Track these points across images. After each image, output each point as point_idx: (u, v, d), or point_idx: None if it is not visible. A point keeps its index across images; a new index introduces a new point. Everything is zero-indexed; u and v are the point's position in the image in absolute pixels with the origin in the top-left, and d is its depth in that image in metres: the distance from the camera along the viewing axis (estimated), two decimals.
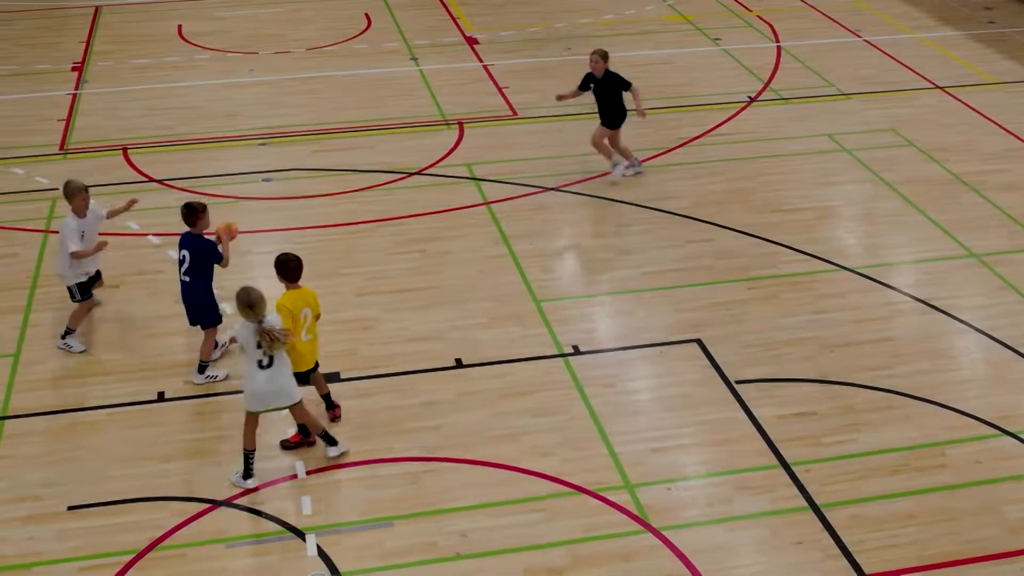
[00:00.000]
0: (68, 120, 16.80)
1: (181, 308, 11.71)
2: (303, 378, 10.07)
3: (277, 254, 10.16)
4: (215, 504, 9.55)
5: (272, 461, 10.05)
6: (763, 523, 9.36)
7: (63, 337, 11.58)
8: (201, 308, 11.10)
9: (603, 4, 21.78)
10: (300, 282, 10.17)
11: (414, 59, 19.13)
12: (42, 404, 10.76)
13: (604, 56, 14.66)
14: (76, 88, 17.97)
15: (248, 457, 9.75)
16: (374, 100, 17.49)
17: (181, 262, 10.99)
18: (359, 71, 18.68)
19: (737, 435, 10.36)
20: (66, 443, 10.26)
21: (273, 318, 9.62)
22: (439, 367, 11.28)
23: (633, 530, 9.28)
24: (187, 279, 10.97)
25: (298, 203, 14.32)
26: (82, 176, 13.98)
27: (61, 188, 11.54)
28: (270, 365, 9.52)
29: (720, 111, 16.99)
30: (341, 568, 8.91)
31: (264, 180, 14.95)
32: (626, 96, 14.71)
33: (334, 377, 11.09)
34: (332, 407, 10.55)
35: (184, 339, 11.67)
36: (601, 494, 9.63)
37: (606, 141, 14.82)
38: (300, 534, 9.25)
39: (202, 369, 11.14)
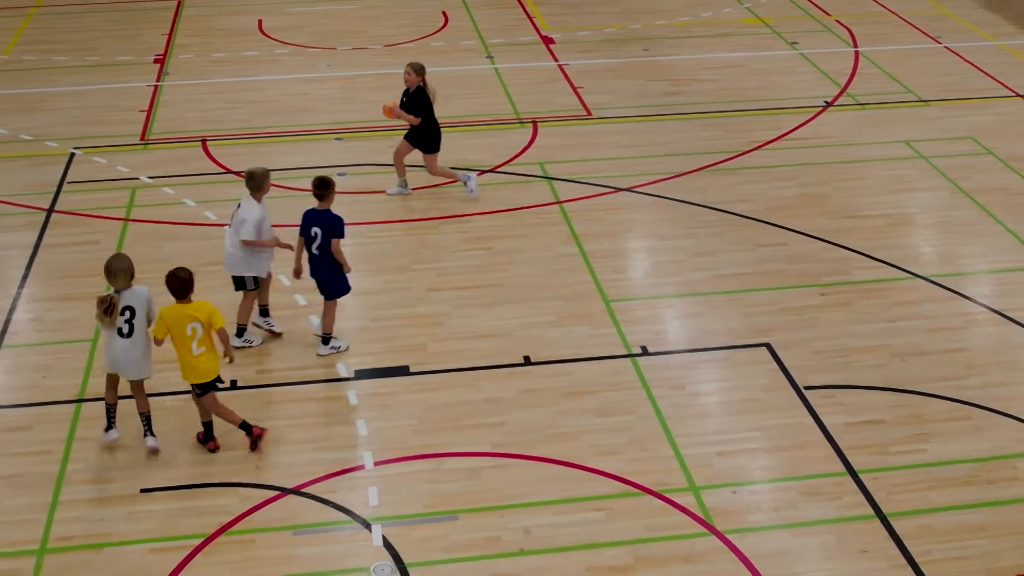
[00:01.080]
0: (149, 111, 17.10)
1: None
2: (203, 389, 10.06)
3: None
4: (284, 492, 9.69)
5: (341, 451, 10.18)
6: (829, 530, 9.31)
7: (239, 335, 11.55)
8: (333, 280, 11.35)
9: (679, 6, 21.73)
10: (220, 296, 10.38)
11: (490, 57, 19.22)
12: (118, 388, 10.95)
13: (419, 70, 14.10)
14: (157, 80, 18.29)
15: (108, 410, 10.22)
16: (449, 97, 17.56)
17: (312, 238, 11.21)
18: (435, 68, 18.75)
19: (804, 441, 10.30)
20: (139, 427, 10.45)
21: (140, 296, 10.03)
22: (506, 364, 11.34)
23: (697, 532, 9.27)
24: (317, 254, 11.26)
25: (371, 198, 14.45)
26: (162, 166, 14.32)
27: (246, 176, 11.39)
28: (130, 335, 9.91)
29: (795, 115, 16.88)
30: (405, 559, 9.00)
31: (338, 175, 15.09)
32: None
33: (403, 371, 11.20)
34: (210, 439, 10.27)
35: (255, 328, 11.82)
36: (665, 495, 9.64)
37: (405, 159, 14.59)
38: (366, 524, 9.35)
39: (326, 341, 11.46)
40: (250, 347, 11.51)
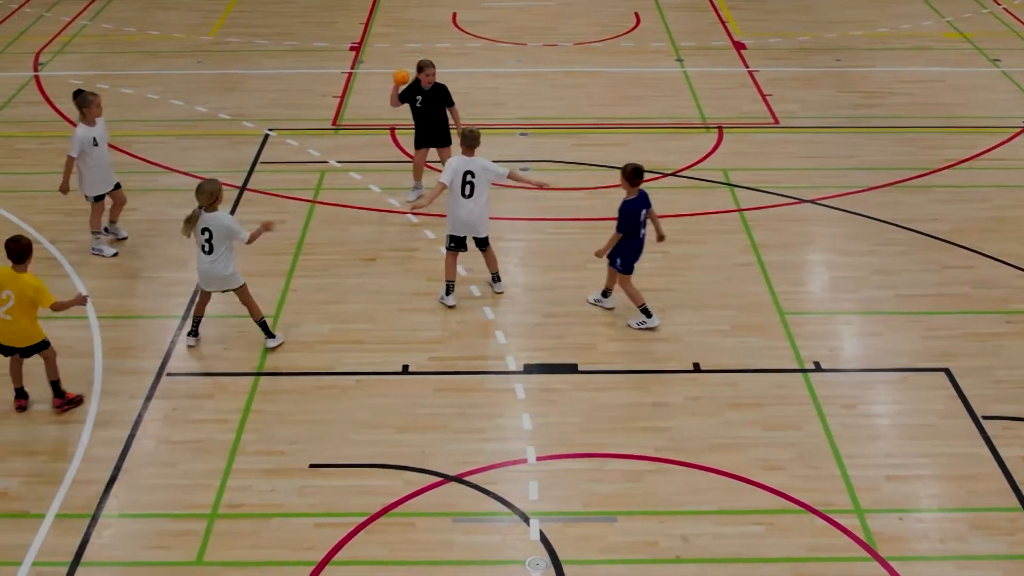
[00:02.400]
0: (342, 97, 17.55)
1: (431, 287, 12.21)
2: (25, 353, 10.54)
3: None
4: (447, 479, 9.85)
5: (504, 443, 10.30)
6: (998, 566, 9.00)
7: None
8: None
9: (878, 16, 21.22)
10: (27, 269, 10.39)
11: (679, 60, 19.11)
12: (295, 365, 11.32)
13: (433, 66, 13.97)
14: (352, 67, 18.76)
15: (195, 319, 11.67)
16: (635, 99, 17.59)
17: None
18: (623, 68, 18.80)
19: (979, 472, 9.98)
20: (313, 404, 10.78)
21: (218, 221, 11.12)
22: (674, 369, 11.29)
23: (858, 556, 9.08)
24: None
25: (552, 194, 14.53)
26: (351, 152, 14.67)
27: None
28: (210, 253, 11.15)
29: (992, 135, 16.31)
30: (561, 556, 9.05)
31: (522, 170, 15.21)
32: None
33: (572, 368, 11.26)
34: (57, 395, 10.72)
35: (431, 316, 12.06)
36: (829, 515, 9.46)
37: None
38: (524, 518, 9.44)
39: (606, 295, 12.16)
40: None
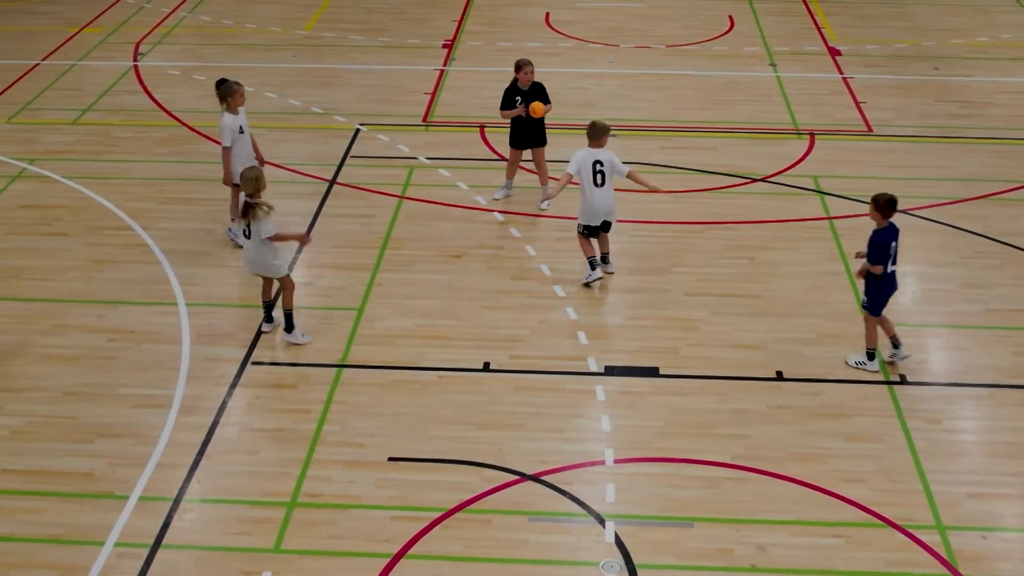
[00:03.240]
0: (433, 94, 17.67)
1: (515, 285, 12.26)
2: None
3: None
4: (523, 477, 9.88)
5: (582, 444, 10.30)
6: None
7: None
8: None
9: (978, 25, 20.83)
10: None
11: (773, 65, 18.94)
12: (378, 358, 11.42)
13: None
14: (444, 64, 18.87)
15: (263, 305, 11.90)
16: (726, 103, 17.46)
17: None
18: (715, 72, 18.68)
19: None
20: (394, 397, 10.87)
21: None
22: (757, 376, 11.20)
23: (938, 573, 8.93)
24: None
25: (639, 197, 14.48)
26: (440, 149, 14.75)
27: None
28: (249, 238, 11.36)
29: None
30: (635, 560, 9.03)
31: None
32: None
33: (653, 372, 11.23)
34: None
35: (514, 315, 12.09)
36: (909, 530, 9.32)
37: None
38: (600, 520, 9.44)
39: (896, 345, 11.51)
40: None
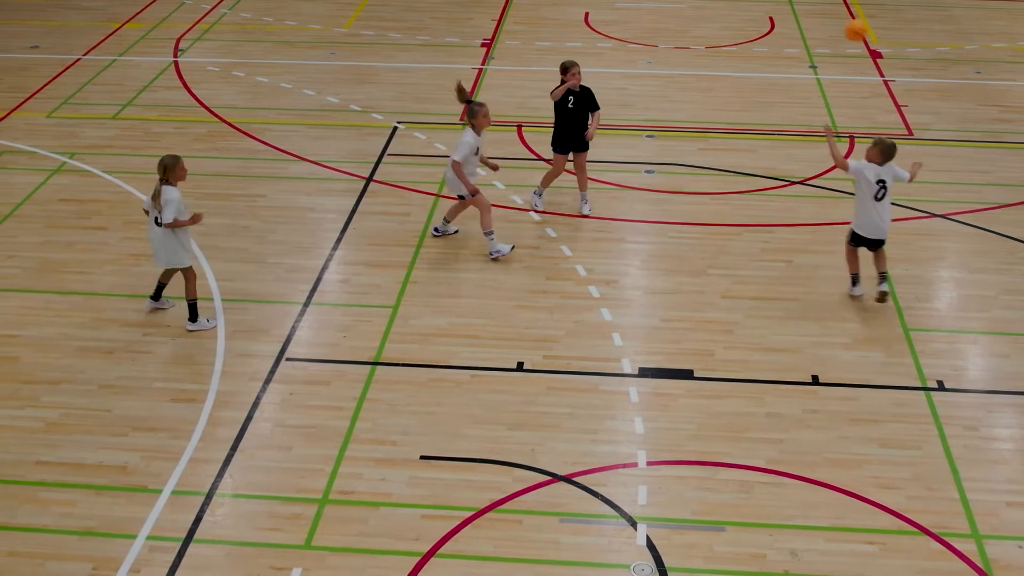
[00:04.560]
0: (471, 93, 17.64)
1: (550, 285, 12.26)
2: None
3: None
4: (555, 478, 9.85)
5: (615, 446, 10.26)
6: None
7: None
8: None
9: (1021, 28, 20.61)
10: None
11: (813, 67, 18.81)
12: (411, 356, 11.42)
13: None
14: (482, 63, 18.86)
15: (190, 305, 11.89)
16: (766, 104, 17.36)
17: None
18: (755, 73, 18.57)
19: None
20: (427, 396, 10.86)
21: (167, 195, 11.32)
22: (793, 380, 11.12)
23: None
24: None
25: (676, 198, 14.44)
26: None
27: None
28: (159, 225, 11.39)
29: None
30: (667, 563, 8.98)
31: (647, 171, 15.17)
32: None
33: (687, 374, 11.17)
34: None
35: (548, 315, 12.06)
36: (945, 539, 9.22)
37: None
38: (632, 522, 9.39)
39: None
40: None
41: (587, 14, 21.22)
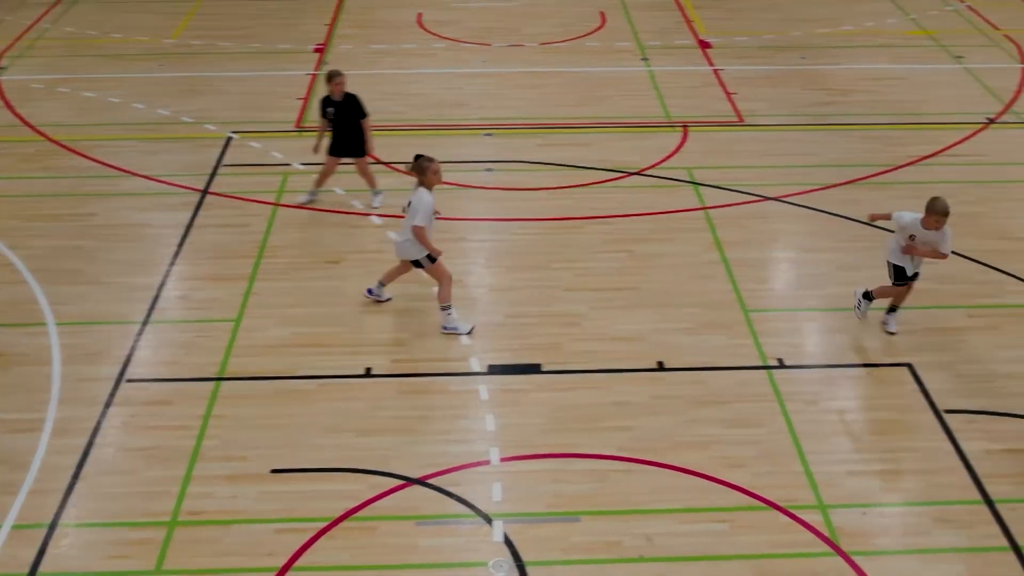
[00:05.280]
0: (306, 99, 17.46)
1: (394, 288, 12.20)
2: None
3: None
4: (409, 481, 9.79)
5: (468, 445, 10.24)
6: (960, 559, 9.01)
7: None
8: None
9: (842, 14, 21.29)
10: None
11: (645, 59, 19.11)
12: (257, 369, 11.23)
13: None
14: (316, 69, 18.67)
15: None
16: (601, 98, 17.57)
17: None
18: (589, 68, 18.78)
19: (941, 466, 9.98)
20: (275, 408, 10.69)
21: None
22: (639, 368, 11.27)
23: (822, 551, 9.07)
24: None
25: (517, 195, 14.51)
26: (314, 154, 14.56)
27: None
28: None
29: (954, 131, 16.38)
30: (524, 557, 9.00)
31: (487, 170, 15.21)
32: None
33: (535, 369, 11.22)
34: None
35: (394, 319, 12.00)
36: (792, 511, 9.45)
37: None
38: (488, 519, 9.39)
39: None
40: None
41: (420, 15, 21.20)
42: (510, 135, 16.32)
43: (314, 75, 18.39)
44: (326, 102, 13.86)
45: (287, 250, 13.31)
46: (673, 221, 13.92)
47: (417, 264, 11.74)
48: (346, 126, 13.88)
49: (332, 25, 20.70)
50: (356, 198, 14.40)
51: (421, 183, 11.59)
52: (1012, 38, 20.04)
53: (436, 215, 11.77)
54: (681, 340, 11.70)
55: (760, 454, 10.12)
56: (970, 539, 9.19)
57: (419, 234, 11.47)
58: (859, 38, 20.07)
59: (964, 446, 10.18)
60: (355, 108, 13.86)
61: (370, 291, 12.28)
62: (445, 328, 11.76)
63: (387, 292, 12.30)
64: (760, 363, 11.33)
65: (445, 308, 11.74)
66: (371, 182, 14.31)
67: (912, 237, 11.33)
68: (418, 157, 11.66)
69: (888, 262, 11.62)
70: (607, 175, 15.06)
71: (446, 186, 14.49)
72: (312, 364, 11.30)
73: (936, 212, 11.18)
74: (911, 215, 11.41)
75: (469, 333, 11.71)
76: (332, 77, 13.77)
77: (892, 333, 11.70)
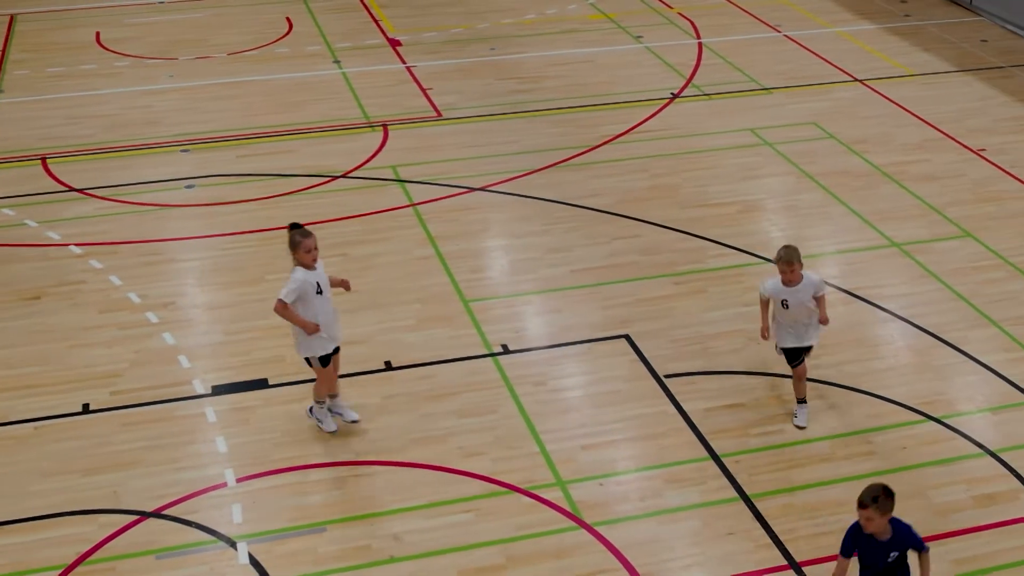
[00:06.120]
0: None
1: (104, 319, 11.66)
2: None
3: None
4: (144, 515, 9.42)
5: (201, 470, 9.94)
6: (695, 515, 9.42)
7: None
8: None
9: (525, 3, 21.82)
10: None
11: (337, 62, 19.02)
12: None
13: None
14: None
15: None
16: (297, 104, 17.37)
17: None
18: (281, 75, 18.53)
19: (667, 429, 10.41)
20: None
21: None
22: (366, 370, 11.22)
23: (566, 527, 9.29)
24: None
25: (223, 209, 14.17)
26: (0, 187, 13.77)
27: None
28: None
29: (643, 108, 17.08)
30: (272, 575, 8.83)
31: (187, 187, 14.78)
32: None
33: (262, 384, 11.00)
34: None
35: (108, 350, 11.50)
36: (533, 492, 9.64)
37: None
38: (231, 543, 9.15)
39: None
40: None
41: (98, 33, 20.35)
42: (208, 149, 15.91)
43: None
44: None
45: None
46: (383, 220, 13.92)
47: (308, 361, 10.16)
48: None
49: (4, 50, 19.61)
50: (51, 228, 13.70)
51: (294, 260, 9.84)
52: (686, 15, 21.05)
53: (333, 281, 10.14)
54: (406, 337, 11.73)
55: (496, 440, 10.26)
56: (701, 494, 9.62)
57: (280, 311, 9.72)
58: (544, 25, 20.62)
59: (686, 407, 10.65)
60: None
61: (330, 410, 10.44)
62: (310, 415, 10.43)
63: (348, 409, 10.48)
64: (485, 351, 11.49)
65: (319, 402, 10.33)
66: None
67: (785, 302, 10.20)
68: (293, 227, 9.88)
69: (776, 346, 10.50)
70: (312, 181, 14.91)
71: (146, 207, 14.05)
72: (24, 407, 10.69)
73: (780, 261, 10.16)
74: (771, 280, 10.34)
75: (335, 432, 10.36)
76: None
77: (802, 427, 10.46)
